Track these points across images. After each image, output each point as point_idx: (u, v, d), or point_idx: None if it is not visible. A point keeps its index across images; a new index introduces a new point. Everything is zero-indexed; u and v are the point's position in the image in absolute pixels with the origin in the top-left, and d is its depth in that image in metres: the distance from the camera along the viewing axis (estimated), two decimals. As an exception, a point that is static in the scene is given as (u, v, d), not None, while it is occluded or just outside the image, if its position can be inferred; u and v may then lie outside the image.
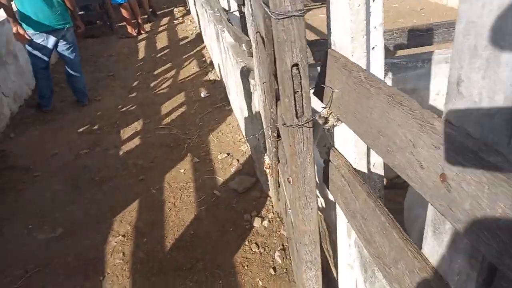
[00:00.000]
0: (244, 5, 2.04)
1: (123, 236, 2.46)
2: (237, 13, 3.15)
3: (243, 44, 2.12)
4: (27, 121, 4.08)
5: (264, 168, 2.42)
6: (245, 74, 2.56)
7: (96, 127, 3.89)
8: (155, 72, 5.23)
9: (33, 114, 4.21)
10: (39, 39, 3.85)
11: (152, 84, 4.84)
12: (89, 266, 2.27)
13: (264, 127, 2.31)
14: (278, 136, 1.63)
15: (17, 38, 3.83)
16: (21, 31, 3.75)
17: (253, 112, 2.57)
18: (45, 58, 3.99)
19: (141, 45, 6.43)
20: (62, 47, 4.01)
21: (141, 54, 6.02)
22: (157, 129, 3.74)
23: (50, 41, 3.90)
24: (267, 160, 2.32)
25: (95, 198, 2.85)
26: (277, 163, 1.91)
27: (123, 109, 4.23)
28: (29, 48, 3.92)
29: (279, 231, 2.37)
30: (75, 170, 3.20)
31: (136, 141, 3.57)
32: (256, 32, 2.00)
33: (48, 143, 3.63)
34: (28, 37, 3.80)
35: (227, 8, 3.46)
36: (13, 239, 2.51)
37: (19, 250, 2.41)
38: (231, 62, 3.18)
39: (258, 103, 2.36)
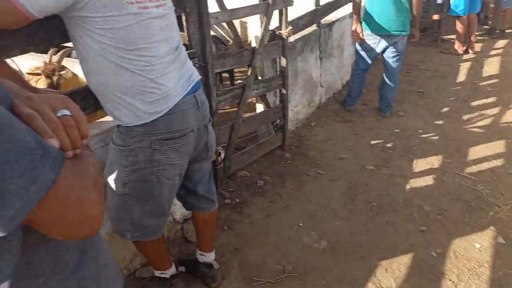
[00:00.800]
0: None
1: (384, 291, 2.10)
2: None
3: None
4: (328, 114, 4.23)
5: None
6: None
7: (389, 145, 3.61)
8: (473, 103, 4.43)
9: (335, 109, 4.34)
10: (371, 40, 3.80)
11: (465, 117, 4.10)
12: (339, 304, 2.04)
13: None
14: None
15: (352, 36, 3.91)
16: (358, 30, 3.79)
17: None
18: (369, 61, 3.95)
19: (464, 66, 5.62)
20: (389, 53, 3.85)
21: (461, 77, 5.25)
22: (458, 175, 3.09)
23: (381, 45, 3.79)
24: None
25: (366, 226, 2.60)
26: None
27: (423, 135, 3.76)
28: (358, 47, 3.96)
29: None
30: (355, 184, 3.03)
31: (429, 179, 3.06)
32: None
33: (339, 144, 3.63)
34: (362, 37, 3.82)
35: None
36: (284, 228, 2.58)
37: (285, 244, 2.45)
38: None
39: None
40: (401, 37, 3.75)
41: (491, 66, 5.56)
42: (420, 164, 3.27)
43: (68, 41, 1.49)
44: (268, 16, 2.78)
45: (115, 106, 1.53)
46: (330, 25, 4.18)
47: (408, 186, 2.99)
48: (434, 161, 3.30)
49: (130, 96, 1.49)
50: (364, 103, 4.44)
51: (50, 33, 1.48)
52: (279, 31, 2.98)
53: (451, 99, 4.57)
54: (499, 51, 6.24)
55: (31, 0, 1.21)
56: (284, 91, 3.24)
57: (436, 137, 3.71)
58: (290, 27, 2.98)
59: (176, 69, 1.60)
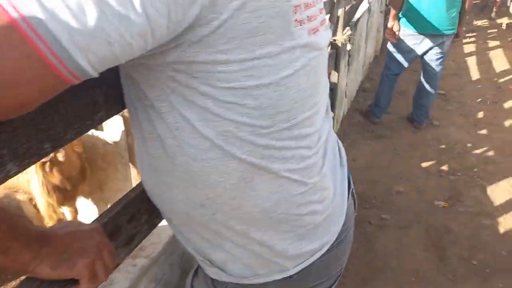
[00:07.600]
0: None
1: None
2: None
3: None
4: (355, 129, 3.52)
5: None
6: None
7: (445, 167, 2.98)
8: (505, 105, 3.95)
9: (360, 122, 3.64)
10: (411, 41, 3.12)
11: (507, 123, 3.60)
12: None
13: None
14: None
15: (387, 34, 3.21)
16: (395, 28, 3.10)
17: None
18: (405, 64, 3.28)
19: (471, 62, 5.18)
20: (433, 56, 3.19)
21: (475, 74, 4.79)
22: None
23: (423, 46, 3.12)
24: None
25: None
26: None
27: (476, 151, 3.18)
28: (392, 49, 3.27)
29: None
30: (435, 230, 2.36)
31: (520, 216, 2.47)
32: None
33: (386, 171, 2.94)
34: (398, 37, 3.13)
35: None
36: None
37: None
38: None
39: None
40: (449, 36, 3.10)
41: (499, 60, 5.17)
42: (496, 191, 2.68)
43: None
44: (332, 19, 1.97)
45: (217, 246, 0.70)
46: (356, 22, 3.43)
47: (501, 229, 2.37)
48: (507, 185, 2.73)
49: (266, 228, 0.67)
50: (390, 112, 3.78)
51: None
52: (334, 38, 2.19)
53: (478, 100, 4.06)
54: (498, 42, 5.89)
55: (81, 40, 0.37)
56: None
57: (491, 153, 3.15)
58: (348, 32, 2.19)
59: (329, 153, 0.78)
